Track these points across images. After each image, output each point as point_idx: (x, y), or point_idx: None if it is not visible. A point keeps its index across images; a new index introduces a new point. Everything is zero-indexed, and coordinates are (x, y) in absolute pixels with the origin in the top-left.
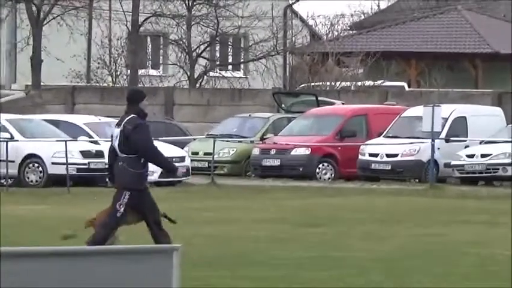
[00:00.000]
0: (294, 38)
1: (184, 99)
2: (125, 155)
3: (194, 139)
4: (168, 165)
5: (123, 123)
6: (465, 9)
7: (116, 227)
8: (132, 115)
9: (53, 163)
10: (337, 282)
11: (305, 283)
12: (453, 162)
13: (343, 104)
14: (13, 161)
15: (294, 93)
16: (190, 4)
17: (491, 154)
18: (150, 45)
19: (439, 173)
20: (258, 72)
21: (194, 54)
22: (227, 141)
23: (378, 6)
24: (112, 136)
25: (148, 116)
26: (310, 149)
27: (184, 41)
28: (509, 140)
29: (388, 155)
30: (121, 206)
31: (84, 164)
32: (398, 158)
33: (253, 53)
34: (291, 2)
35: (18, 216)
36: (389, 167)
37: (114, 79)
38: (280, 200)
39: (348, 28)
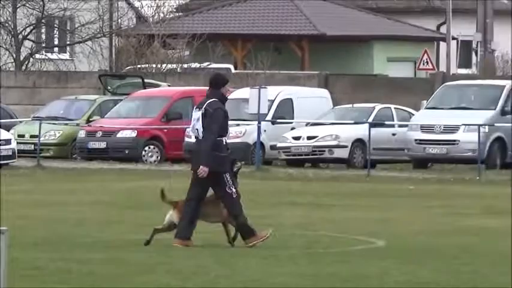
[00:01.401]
0: (120, 20)
1: (11, 81)
2: None
3: (20, 122)
4: (202, 160)
5: (205, 106)
6: None
7: (241, 207)
8: (213, 99)
9: None
10: (163, 266)
11: (133, 265)
12: (279, 145)
13: (169, 86)
14: None
15: (120, 76)
16: None
17: (317, 136)
18: None
19: (266, 155)
20: (84, 55)
21: (20, 36)
22: (53, 123)
23: None
24: (192, 119)
25: None
26: (136, 131)
27: (10, 23)
28: (335, 121)
29: None
30: (231, 188)
31: None
32: None
33: (79, 35)
34: None
35: None
36: None
37: None
38: (107, 183)
39: (174, 10)
